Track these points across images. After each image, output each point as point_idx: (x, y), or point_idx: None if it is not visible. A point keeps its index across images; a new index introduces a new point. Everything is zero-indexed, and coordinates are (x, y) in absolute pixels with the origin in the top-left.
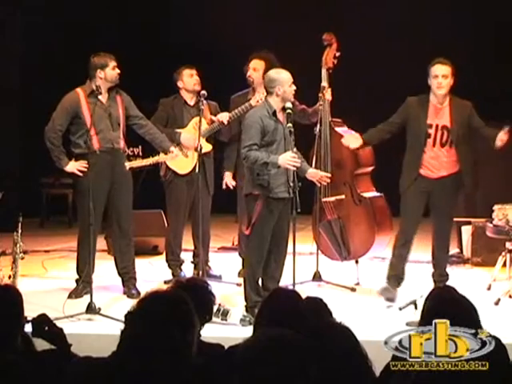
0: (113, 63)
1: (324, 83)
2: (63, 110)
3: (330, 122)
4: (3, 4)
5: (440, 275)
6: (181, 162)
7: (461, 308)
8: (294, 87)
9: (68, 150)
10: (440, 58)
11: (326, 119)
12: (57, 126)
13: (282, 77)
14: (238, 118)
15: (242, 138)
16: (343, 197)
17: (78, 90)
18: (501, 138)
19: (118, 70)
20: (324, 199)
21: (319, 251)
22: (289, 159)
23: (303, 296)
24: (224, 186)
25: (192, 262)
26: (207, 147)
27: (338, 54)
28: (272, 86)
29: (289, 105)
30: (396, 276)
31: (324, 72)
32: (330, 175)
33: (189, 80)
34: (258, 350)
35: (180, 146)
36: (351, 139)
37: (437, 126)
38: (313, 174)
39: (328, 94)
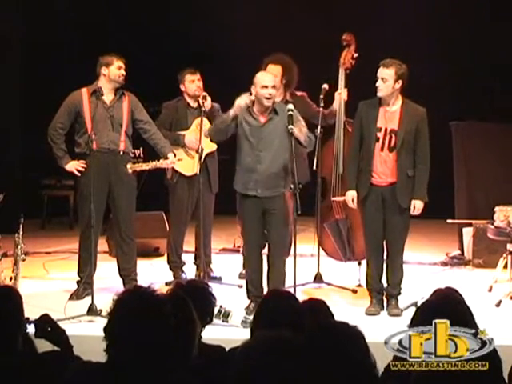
0: (118, 63)
1: (341, 83)
2: (65, 108)
3: (345, 121)
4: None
5: (392, 290)
6: (186, 163)
7: (457, 312)
8: (267, 91)
9: (73, 149)
10: (387, 60)
11: (341, 119)
12: (57, 124)
13: (257, 77)
14: None
15: None
16: None
17: (83, 89)
18: (418, 208)
19: (123, 72)
20: (333, 198)
21: (322, 252)
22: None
23: (305, 298)
24: None
25: (194, 263)
26: (211, 147)
27: (356, 55)
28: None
29: (290, 106)
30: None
31: (341, 72)
32: None
33: (190, 86)
34: (257, 352)
35: (185, 149)
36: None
37: (386, 129)
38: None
39: (344, 94)
